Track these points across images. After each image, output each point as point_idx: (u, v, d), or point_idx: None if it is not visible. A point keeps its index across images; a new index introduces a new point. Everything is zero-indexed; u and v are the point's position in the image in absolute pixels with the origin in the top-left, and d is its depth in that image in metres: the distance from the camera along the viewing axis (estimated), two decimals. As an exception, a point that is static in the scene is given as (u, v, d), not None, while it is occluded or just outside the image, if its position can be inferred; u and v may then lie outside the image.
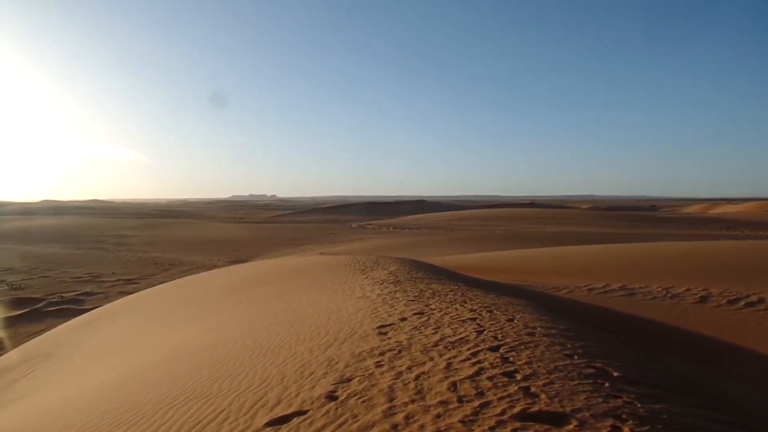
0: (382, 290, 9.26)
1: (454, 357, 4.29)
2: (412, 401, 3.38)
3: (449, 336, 5.05)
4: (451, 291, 8.79)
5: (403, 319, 6.19)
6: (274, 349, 5.92)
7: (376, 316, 6.59)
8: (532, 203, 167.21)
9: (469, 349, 4.52)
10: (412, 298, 7.94)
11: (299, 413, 3.58)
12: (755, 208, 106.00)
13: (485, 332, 5.14)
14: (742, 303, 10.47)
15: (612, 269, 15.69)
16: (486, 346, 4.56)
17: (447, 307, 6.88)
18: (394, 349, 4.74)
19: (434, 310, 6.73)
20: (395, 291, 9.00)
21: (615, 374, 3.79)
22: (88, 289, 28.30)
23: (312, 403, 3.70)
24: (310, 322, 7.01)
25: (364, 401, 3.51)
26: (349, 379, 4.04)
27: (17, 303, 24.49)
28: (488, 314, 6.24)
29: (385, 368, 4.18)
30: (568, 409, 3.01)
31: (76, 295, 26.80)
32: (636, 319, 10.02)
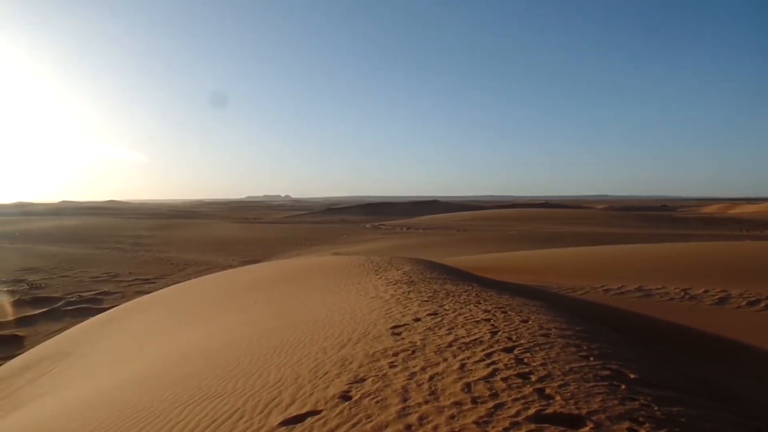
0: (395, 291, 9.26)
1: (468, 358, 4.27)
2: (426, 402, 3.37)
3: (463, 337, 5.04)
4: (465, 292, 8.76)
5: (417, 320, 6.18)
6: (288, 348, 5.95)
7: (389, 317, 6.59)
8: (546, 203, 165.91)
9: (483, 350, 4.50)
10: (426, 299, 7.93)
11: (313, 413, 3.59)
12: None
13: (499, 333, 5.11)
14: (762, 304, 10.27)
15: (628, 270, 15.51)
16: (500, 347, 4.54)
17: (461, 308, 6.85)
18: (408, 350, 4.73)
19: (448, 310, 6.71)
20: (409, 291, 8.99)
21: (631, 376, 3.74)
22: (105, 289, 28.71)
23: (326, 403, 3.71)
24: (324, 322, 7.04)
25: (377, 401, 3.51)
26: (362, 380, 4.05)
27: (37, 302, 24.93)
28: (502, 315, 6.20)
29: (398, 369, 4.18)
30: (584, 411, 2.98)
31: (94, 294, 27.20)
32: (653, 321, 9.89)
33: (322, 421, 3.40)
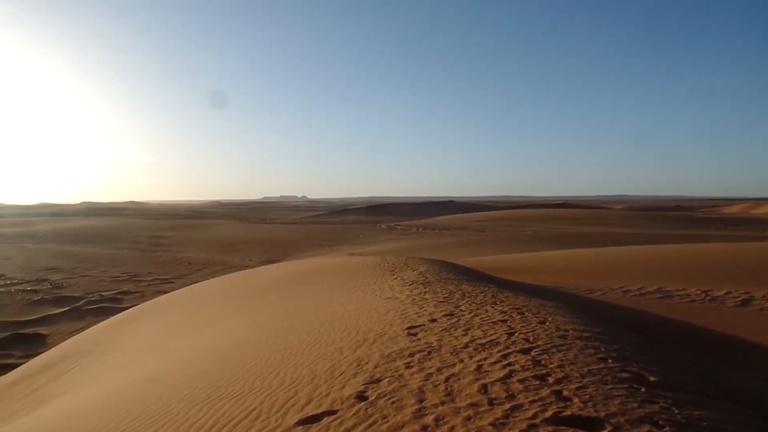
0: (411, 291, 9.25)
1: (485, 359, 4.25)
2: (442, 403, 3.36)
3: (479, 338, 5.01)
4: (481, 292, 8.72)
5: (433, 321, 6.16)
6: (304, 348, 5.98)
7: (405, 317, 6.59)
8: (564, 204, 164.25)
9: (499, 351, 4.47)
10: (442, 300, 7.91)
11: (329, 413, 3.60)
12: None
13: (516, 334, 5.08)
14: (786, 307, 10.06)
15: (648, 271, 15.29)
16: (517, 349, 4.50)
17: (477, 309, 6.82)
18: (424, 351, 4.73)
19: (464, 311, 6.68)
20: (425, 292, 8.98)
21: (651, 379, 3.69)
22: (125, 288, 29.15)
23: (342, 403, 3.72)
24: (340, 323, 7.06)
25: (393, 402, 3.51)
26: (378, 380, 4.05)
27: (59, 301, 25.41)
28: (519, 316, 6.16)
29: (414, 369, 4.18)
30: (602, 414, 2.94)
31: (114, 294, 27.64)
32: (673, 323, 9.73)
33: (338, 421, 3.41)
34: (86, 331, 16.95)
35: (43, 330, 20.83)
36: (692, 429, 2.77)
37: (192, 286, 22.18)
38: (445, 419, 3.10)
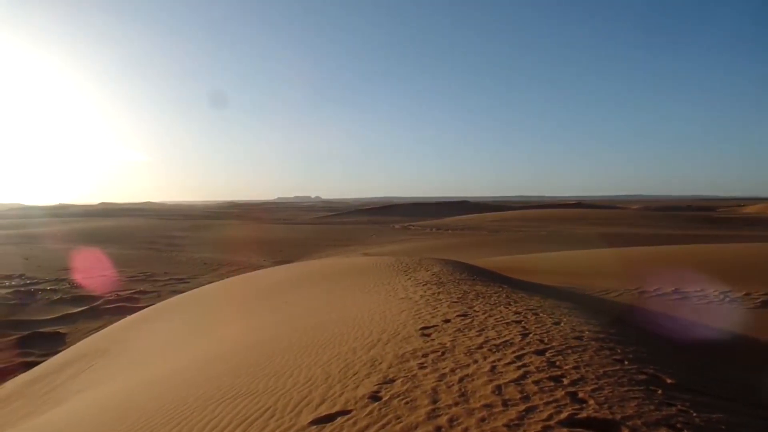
0: (425, 291, 9.23)
1: (499, 360, 4.23)
2: (456, 404, 3.35)
3: (493, 338, 4.99)
4: (495, 293, 8.68)
5: (447, 321, 6.15)
6: (318, 348, 6.00)
7: (419, 318, 6.58)
8: (579, 204, 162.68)
9: (513, 352, 4.44)
10: (456, 300, 7.88)
11: (343, 413, 3.61)
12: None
13: (530, 335, 5.04)
14: (808, 308, 9.86)
15: (664, 272, 15.08)
16: (531, 350, 4.48)
17: (491, 310, 6.79)
18: (438, 351, 4.72)
19: (478, 312, 6.66)
20: (438, 292, 8.96)
21: (668, 381, 3.64)
22: (142, 288, 29.52)
23: (356, 403, 3.73)
24: (354, 323, 7.07)
25: (407, 402, 3.51)
26: (392, 380, 4.05)
27: (78, 300, 25.81)
28: (534, 317, 6.12)
29: (428, 370, 4.17)
30: (618, 416, 2.91)
31: (131, 293, 28.01)
32: (691, 324, 9.59)
33: (352, 420, 3.42)
34: (104, 330, 17.20)
35: (62, 329, 21.18)
36: (710, 432, 2.73)
37: (207, 286, 22.38)
38: (459, 420, 3.09)
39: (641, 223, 72.19)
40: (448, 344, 4.94)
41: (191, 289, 24.11)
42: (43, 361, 15.65)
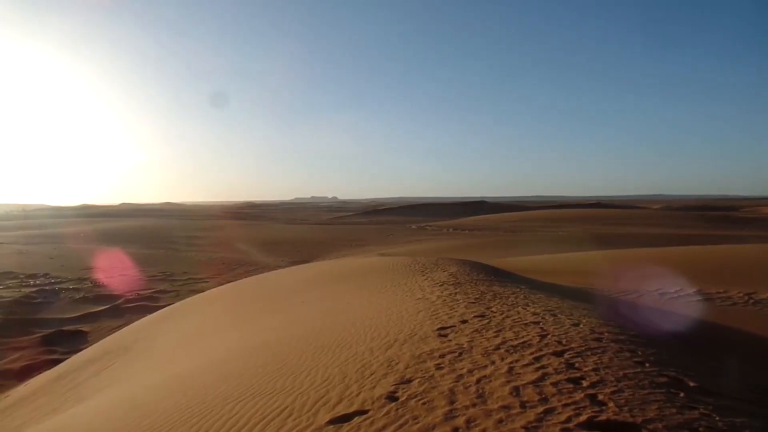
0: (442, 292, 9.21)
1: (517, 361, 4.20)
2: (473, 405, 3.33)
3: (511, 339, 4.95)
4: (513, 294, 8.61)
5: (464, 322, 6.12)
6: (335, 348, 6.02)
7: (436, 318, 6.57)
8: (599, 203, 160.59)
9: (532, 353, 4.41)
10: (473, 301, 7.85)
11: (360, 412, 3.62)
12: None
13: (549, 336, 4.99)
14: (836, 311, 9.61)
15: (686, 273, 14.82)
16: (550, 351, 4.43)
17: (509, 310, 6.74)
18: (455, 352, 4.70)
19: (495, 312, 6.62)
20: (455, 293, 8.92)
21: (690, 384, 3.57)
22: (162, 287, 29.94)
23: (373, 403, 3.73)
24: (371, 323, 7.08)
25: (424, 403, 3.50)
26: (409, 381, 4.05)
27: (100, 299, 26.28)
28: (552, 318, 6.06)
29: (445, 371, 4.16)
30: (639, 420, 2.87)
31: (151, 292, 28.42)
32: (713, 327, 9.41)
33: (369, 420, 3.43)
34: (125, 329, 17.49)
35: (84, 327, 21.58)
36: (734, 437, 2.68)
37: (225, 285, 22.61)
38: (477, 421, 3.08)
39: (662, 223, 71.05)
40: (465, 345, 4.92)
41: (209, 288, 24.40)
42: (67, 358, 15.98)
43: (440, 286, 10.17)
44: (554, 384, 3.56)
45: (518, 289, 9.35)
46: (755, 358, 7.57)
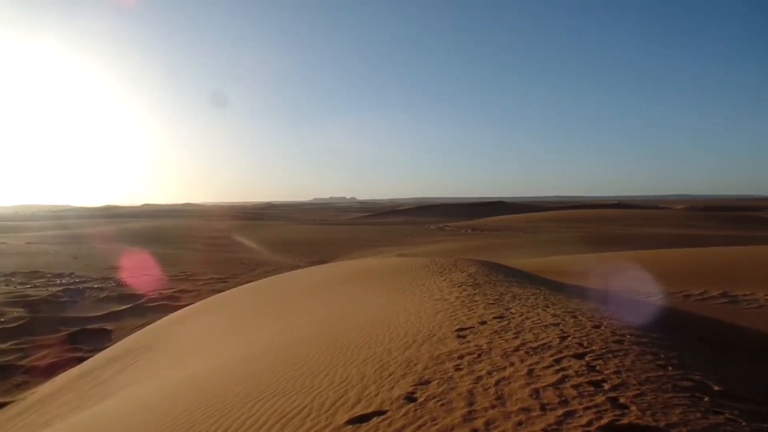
0: (460, 293, 9.17)
1: (536, 363, 4.16)
2: (493, 407, 3.32)
3: (531, 341, 4.91)
4: (533, 295, 8.54)
5: (483, 323, 6.09)
6: (353, 348, 6.04)
7: (454, 319, 6.54)
8: (619, 204, 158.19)
9: (552, 355, 4.36)
10: (492, 302, 7.80)
11: (378, 413, 3.62)
12: None
13: (569, 338, 4.94)
14: None
15: (711, 274, 14.52)
16: (570, 353, 4.39)
17: (528, 312, 6.69)
18: (474, 353, 4.68)
19: (515, 314, 6.57)
20: (474, 294, 8.88)
21: (715, 388, 3.50)
22: (183, 287, 30.33)
23: (391, 403, 3.73)
24: (389, 323, 7.08)
25: (443, 404, 3.49)
26: (428, 382, 4.04)
27: (123, 298, 26.73)
28: (572, 320, 5.99)
29: (464, 372, 4.14)
30: (662, 424, 2.82)
31: (173, 292, 28.81)
32: (739, 330, 9.20)
33: (387, 421, 3.43)
34: (147, 328, 17.77)
35: (108, 326, 21.97)
36: (761, 442, 2.62)
37: (245, 285, 22.82)
38: (496, 423, 3.06)
39: (685, 224, 69.72)
40: (484, 346, 4.89)
41: (230, 288, 24.65)
42: (91, 356, 16.29)
43: (459, 287, 10.13)
44: (575, 386, 3.52)
45: (538, 291, 9.27)
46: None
